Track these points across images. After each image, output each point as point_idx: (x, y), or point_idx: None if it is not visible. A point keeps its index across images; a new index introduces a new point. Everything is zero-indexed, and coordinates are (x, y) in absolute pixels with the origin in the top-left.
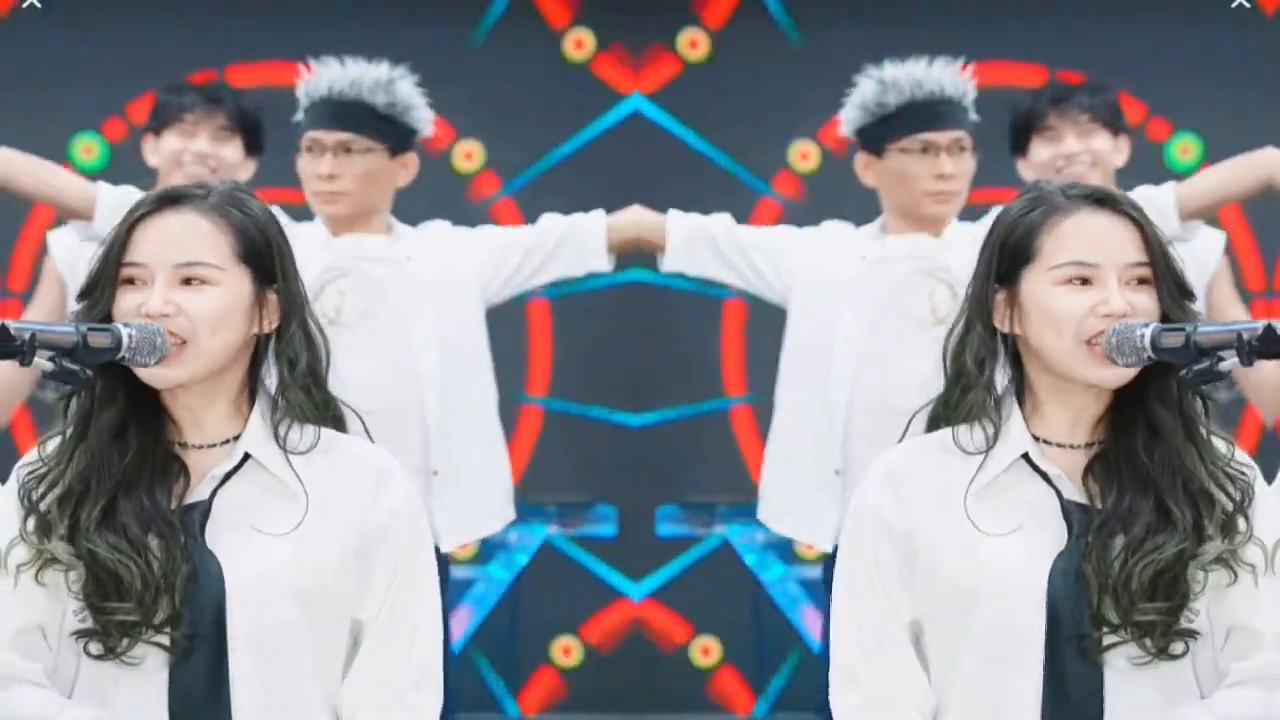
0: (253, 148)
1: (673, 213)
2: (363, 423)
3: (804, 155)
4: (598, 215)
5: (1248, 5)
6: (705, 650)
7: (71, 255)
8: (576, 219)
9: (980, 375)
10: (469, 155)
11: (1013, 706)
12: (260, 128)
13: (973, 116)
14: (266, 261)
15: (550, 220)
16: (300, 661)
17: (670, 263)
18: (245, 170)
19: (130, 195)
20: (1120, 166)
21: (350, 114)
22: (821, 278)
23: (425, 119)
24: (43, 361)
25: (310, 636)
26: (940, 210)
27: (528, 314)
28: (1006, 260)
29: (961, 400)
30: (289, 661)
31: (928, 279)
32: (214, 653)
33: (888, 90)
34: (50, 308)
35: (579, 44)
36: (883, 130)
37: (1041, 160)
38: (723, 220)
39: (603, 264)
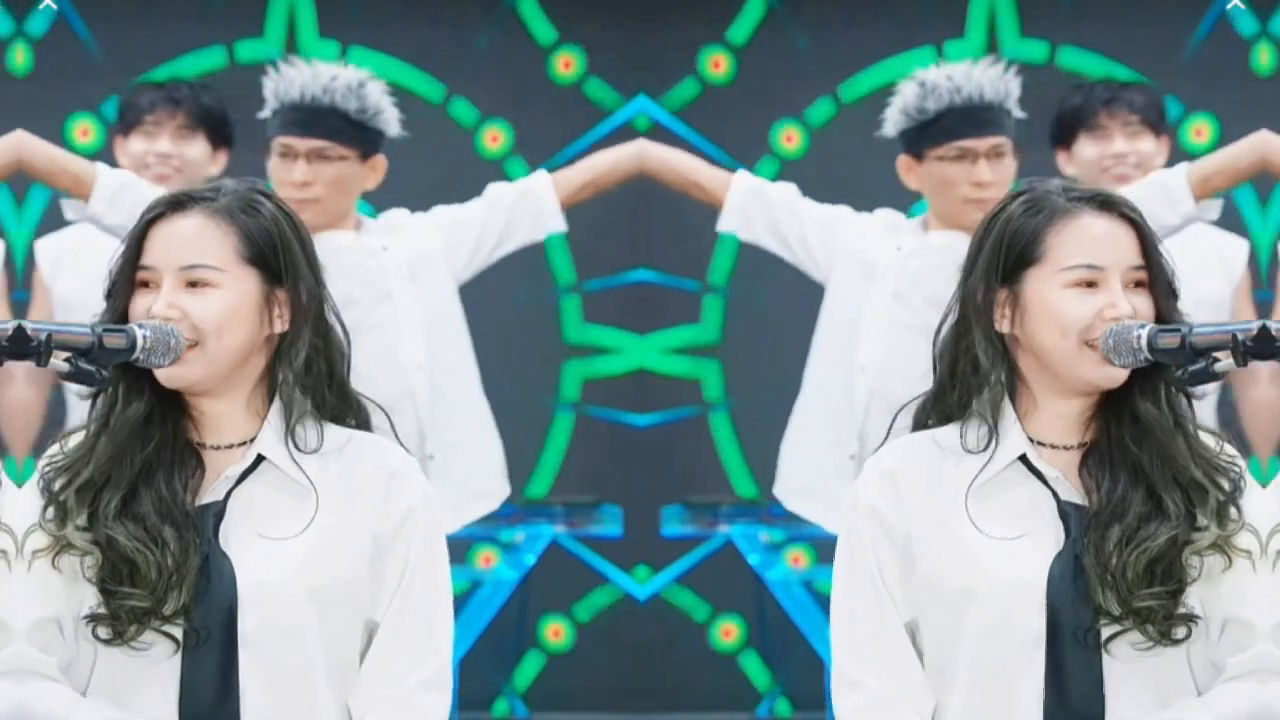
0: (220, 142)
1: (740, 172)
2: (389, 421)
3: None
4: (541, 176)
5: (1243, 6)
6: (709, 649)
7: (54, 262)
8: (522, 186)
9: (990, 373)
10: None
11: (1015, 707)
12: (225, 121)
13: (1017, 116)
14: (274, 262)
15: (498, 191)
16: (312, 663)
17: (725, 222)
18: (215, 165)
19: (127, 180)
20: (1159, 168)
21: (323, 121)
22: (856, 263)
23: (392, 120)
24: (59, 362)
25: (323, 638)
26: (979, 216)
27: (561, 314)
28: (1010, 261)
29: (961, 400)
30: (300, 663)
31: (957, 270)
32: (224, 652)
33: (927, 95)
34: (41, 316)
35: (567, 64)
36: (922, 136)
37: (1088, 158)
38: (785, 189)
39: (559, 224)
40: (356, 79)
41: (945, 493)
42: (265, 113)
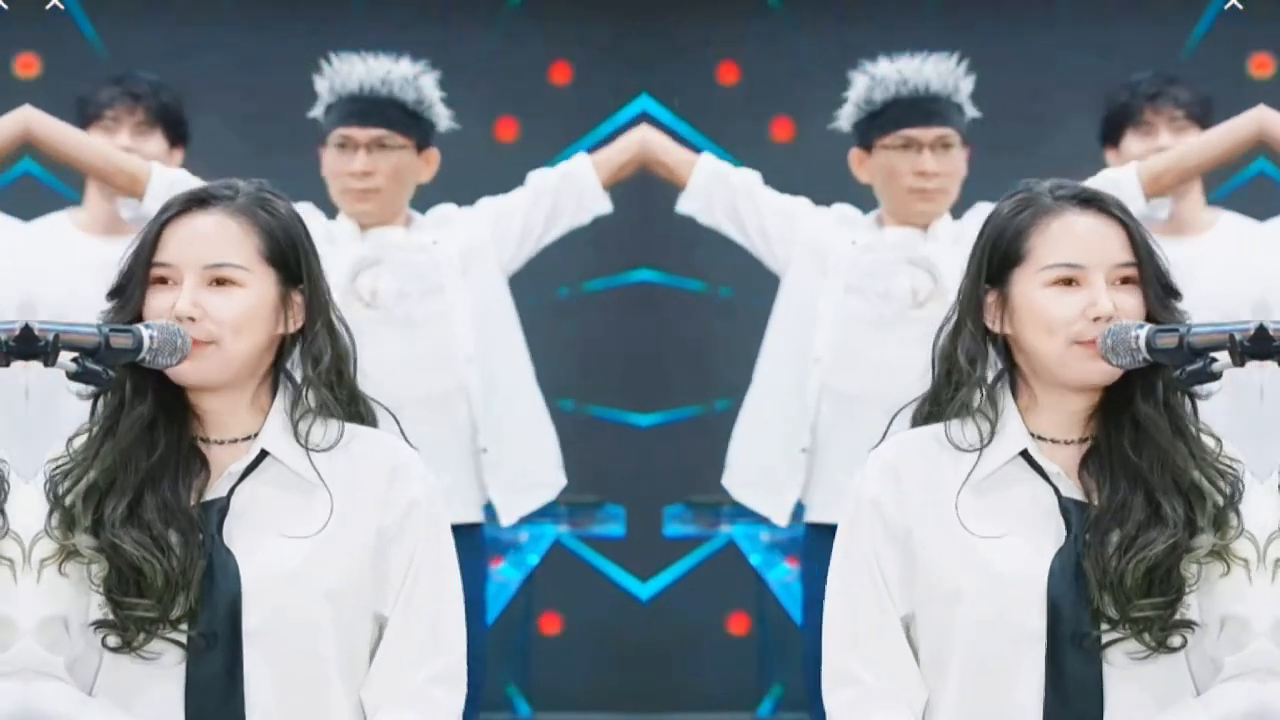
0: (176, 140)
1: (705, 155)
2: (394, 419)
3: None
4: (581, 159)
5: (1240, 7)
6: (710, 649)
7: None
8: (563, 169)
9: (973, 374)
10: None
11: (1014, 705)
12: (182, 120)
13: (970, 113)
14: (292, 262)
15: (540, 178)
16: (317, 659)
17: (686, 203)
18: (172, 162)
19: (179, 178)
20: None
21: (382, 111)
22: (812, 255)
23: (444, 114)
24: (66, 362)
25: (329, 634)
26: (924, 208)
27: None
28: (997, 261)
29: (954, 398)
30: (307, 658)
31: (909, 265)
32: (229, 650)
33: (875, 87)
34: None
35: (569, 63)
36: (871, 126)
37: (1135, 154)
38: (748, 176)
39: (603, 205)
40: (411, 71)
41: (946, 487)
42: (317, 110)
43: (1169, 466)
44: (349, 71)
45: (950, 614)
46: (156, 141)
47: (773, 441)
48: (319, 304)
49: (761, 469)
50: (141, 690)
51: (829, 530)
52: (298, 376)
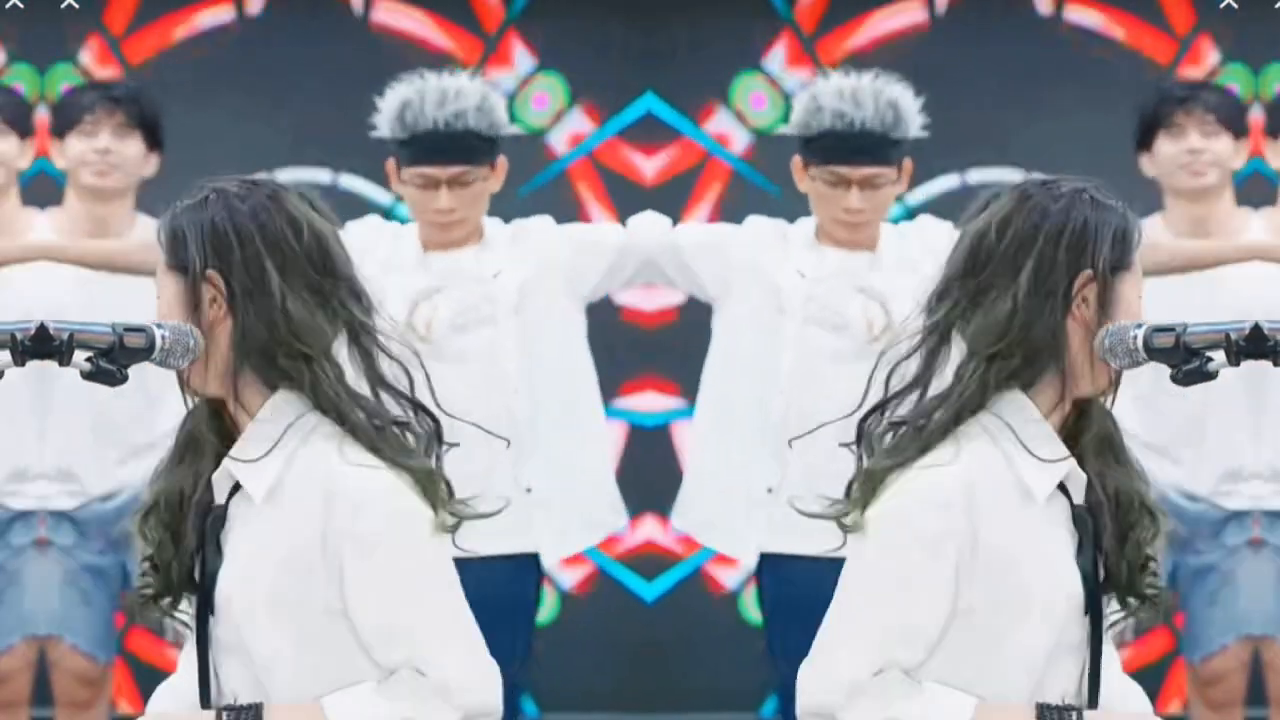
0: (154, 144)
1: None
2: (420, 361)
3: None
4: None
5: (1235, 7)
6: (715, 649)
7: None
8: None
9: (1061, 356)
10: None
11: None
12: (159, 125)
13: (913, 135)
14: (180, 253)
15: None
16: (271, 667)
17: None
18: (148, 166)
19: None
20: (1237, 169)
21: (460, 145)
22: (755, 281)
23: (507, 124)
24: (81, 361)
25: (287, 642)
26: (848, 237)
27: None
28: (1118, 249)
29: (1040, 373)
30: (264, 666)
31: (859, 294)
32: (205, 646)
33: (814, 114)
34: None
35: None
36: (806, 150)
37: (1167, 155)
38: (676, 235)
39: None
40: (479, 94)
41: (1017, 505)
42: (383, 130)
43: (1133, 475)
44: (420, 106)
45: (1011, 628)
46: (136, 144)
47: (734, 482)
48: (229, 288)
49: (723, 510)
50: (188, 655)
51: (782, 558)
52: (244, 362)
